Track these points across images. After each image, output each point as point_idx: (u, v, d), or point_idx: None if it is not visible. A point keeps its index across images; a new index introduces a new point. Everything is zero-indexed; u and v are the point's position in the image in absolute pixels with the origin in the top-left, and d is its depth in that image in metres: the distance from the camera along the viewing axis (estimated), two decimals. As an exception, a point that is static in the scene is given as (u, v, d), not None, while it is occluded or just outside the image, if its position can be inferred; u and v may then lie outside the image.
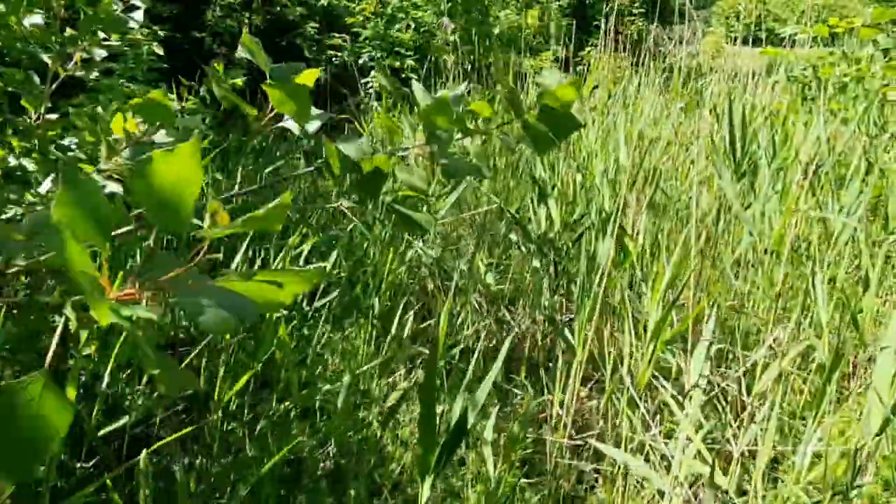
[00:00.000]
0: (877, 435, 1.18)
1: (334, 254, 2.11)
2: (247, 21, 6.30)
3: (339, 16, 5.67)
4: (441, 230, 2.34)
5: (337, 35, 5.65)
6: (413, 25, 5.16)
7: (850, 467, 1.26)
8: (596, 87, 4.53)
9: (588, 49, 6.72)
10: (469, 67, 5.46)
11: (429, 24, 5.14)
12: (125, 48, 3.42)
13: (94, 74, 1.45)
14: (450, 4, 4.84)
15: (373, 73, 5.35)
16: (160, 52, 3.94)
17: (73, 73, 1.35)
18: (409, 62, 5.10)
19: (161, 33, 3.79)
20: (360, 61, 5.48)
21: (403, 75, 5.17)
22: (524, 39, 5.12)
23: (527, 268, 2.17)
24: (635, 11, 9.19)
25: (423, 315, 2.43)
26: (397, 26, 5.23)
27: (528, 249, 2.13)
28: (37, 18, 1.32)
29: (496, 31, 5.10)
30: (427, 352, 2.05)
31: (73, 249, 0.39)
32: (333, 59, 5.67)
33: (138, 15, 1.44)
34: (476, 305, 2.32)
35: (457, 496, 1.52)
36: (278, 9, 5.62)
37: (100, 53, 1.36)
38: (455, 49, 4.78)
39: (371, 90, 5.32)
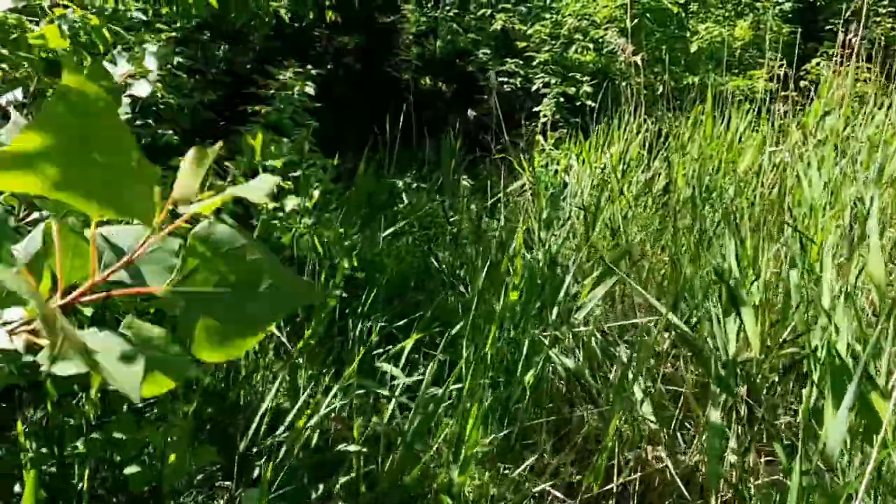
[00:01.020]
0: None
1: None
2: (430, 48, 6.17)
3: (513, 40, 5.24)
4: (583, 335, 1.73)
5: (510, 60, 5.22)
6: (592, 46, 4.53)
7: None
8: (827, 113, 3.50)
9: (816, 61, 5.50)
10: (660, 91, 4.67)
11: (611, 44, 4.47)
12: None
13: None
14: (636, 21, 4.14)
15: (545, 100, 4.82)
16: (311, 91, 3.78)
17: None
18: (586, 88, 4.47)
19: (313, 71, 3.64)
20: (533, 88, 4.98)
21: (578, 103, 4.56)
22: (731, 55, 4.22)
23: (701, 407, 1.48)
24: (882, 11, 7.50)
25: (557, 429, 1.84)
26: (574, 48, 4.63)
27: (707, 379, 1.44)
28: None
29: (693, 47, 4.26)
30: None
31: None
32: (505, 85, 5.25)
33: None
34: (628, 438, 1.66)
35: None
36: (449, 37, 5.35)
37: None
38: (640, 71, 4.07)
39: (544, 119, 4.79)
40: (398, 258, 2.89)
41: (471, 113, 4.58)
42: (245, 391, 2.05)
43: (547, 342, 1.51)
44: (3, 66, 0.90)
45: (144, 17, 2.37)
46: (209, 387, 2.02)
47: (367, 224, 2.79)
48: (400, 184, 3.53)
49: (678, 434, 1.77)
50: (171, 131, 2.60)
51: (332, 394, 1.40)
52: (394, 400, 1.43)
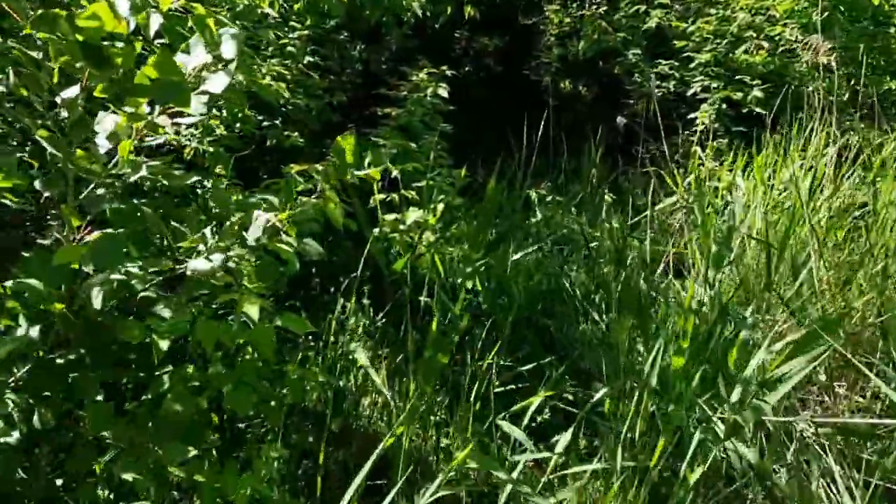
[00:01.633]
0: None
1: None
2: (573, 49, 5.79)
3: (669, 39, 4.71)
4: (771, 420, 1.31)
5: (664, 61, 4.70)
6: (767, 45, 3.91)
7: None
8: None
9: None
10: (846, 96, 3.94)
11: (790, 42, 3.84)
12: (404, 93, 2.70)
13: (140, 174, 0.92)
14: (825, 14, 3.49)
15: (704, 106, 4.26)
16: (444, 93, 3.54)
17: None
18: (756, 93, 3.87)
19: (449, 73, 3.41)
20: (689, 92, 4.43)
21: (745, 110, 3.97)
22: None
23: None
24: None
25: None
26: (744, 47, 4.04)
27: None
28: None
29: (900, 45, 3.54)
30: None
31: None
32: (656, 89, 4.73)
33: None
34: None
35: None
36: (595, 36, 4.93)
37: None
38: (831, 74, 3.43)
39: (702, 128, 4.24)
40: (527, 275, 2.59)
41: (620, 120, 4.14)
42: (351, 418, 1.84)
43: (723, 430, 1.13)
44: (33, 54, 0.70)
45: (275, 15, 2.26)
46: (308, 406, 1.83)
47: (497, 243, 2.49)
48: (533, 195, 3.20)
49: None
50: (296, 133, 2.47)
51: (438, 482, 1.11)
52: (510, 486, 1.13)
